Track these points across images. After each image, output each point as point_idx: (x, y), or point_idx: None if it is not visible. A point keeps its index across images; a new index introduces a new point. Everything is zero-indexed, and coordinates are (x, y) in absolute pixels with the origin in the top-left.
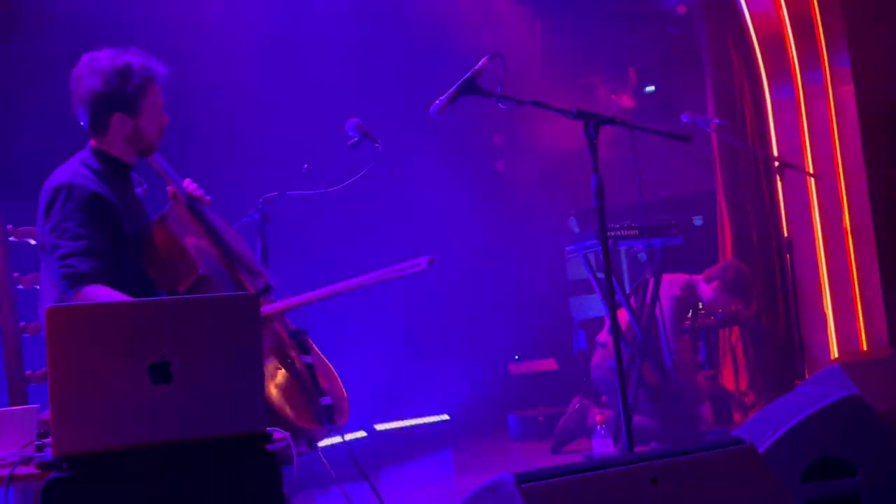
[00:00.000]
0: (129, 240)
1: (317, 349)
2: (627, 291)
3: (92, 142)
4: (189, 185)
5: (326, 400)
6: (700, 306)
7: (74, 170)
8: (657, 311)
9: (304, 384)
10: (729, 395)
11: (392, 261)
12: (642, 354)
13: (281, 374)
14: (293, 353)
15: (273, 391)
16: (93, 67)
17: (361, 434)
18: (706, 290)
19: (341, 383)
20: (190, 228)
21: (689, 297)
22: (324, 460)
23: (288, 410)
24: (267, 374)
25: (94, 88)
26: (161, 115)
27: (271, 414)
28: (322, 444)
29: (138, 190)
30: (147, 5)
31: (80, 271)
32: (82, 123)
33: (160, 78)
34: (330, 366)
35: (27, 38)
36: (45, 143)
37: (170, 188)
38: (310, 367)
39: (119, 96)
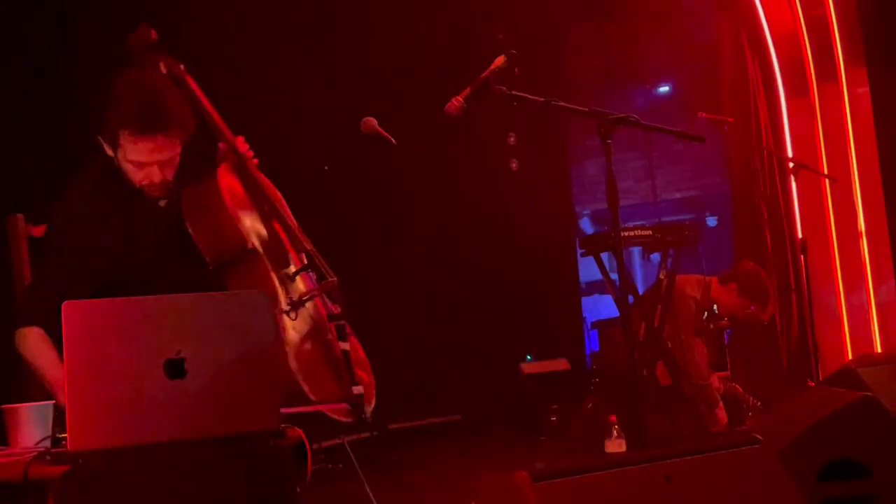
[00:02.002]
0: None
1: (355, 340)
2: (640, 292)
3: None
4: (242, 143)
5: (358, 389)
6: (715, 308)
7: None
8: (671, 312)
9: (338, 370)
10: (743, 396)
11: (404, 257)
12: (656, 355)
13: (317, 357)
14: (330, 337)
15: (307, 372)
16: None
17: (374, 432)
18: (722, 292)
19: (370, 369)
20: (240, 193)
21: (704, 299)
22: (349, 450)
23: (319, 394)
24: (303, 354)
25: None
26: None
27: (302, 395)
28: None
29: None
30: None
31: None
32: None
33: (136, 128)
34: (363, 357)
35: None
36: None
37: (222, 145)
38: (345, 353)
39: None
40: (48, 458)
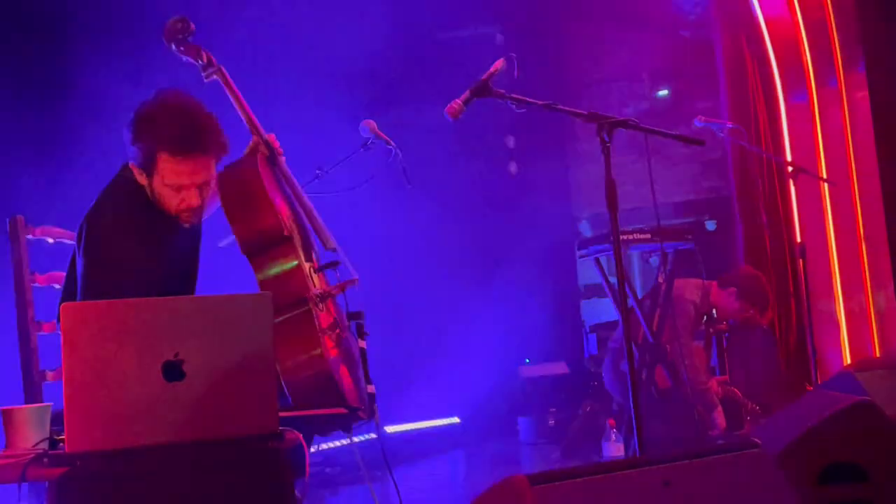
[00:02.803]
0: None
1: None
2: (639, 295)
3: None
4: (274, 140)
5: (372, 388)
6: (714, 312)
7: None
8: (670, 316)
9: (355, 367)
10: (741, 400)
11: (402, 263)
12: (654, 359)
13: (337, 352)
14: (347, 334)
15: (332, 364)
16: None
17: (372, 436)
18: (721, 296)
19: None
20: (274, 183)
21: (704, 303)
22: (356, 453)
23: (342, 385)
24: (326, 347)
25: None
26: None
27: (330, 383)
28: (328, 445)
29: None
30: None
31: None
32: None
33: (177, 149)
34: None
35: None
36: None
37: (254, 138)
38: (363, 352)
39: (133, 148)
40: (46, 459)
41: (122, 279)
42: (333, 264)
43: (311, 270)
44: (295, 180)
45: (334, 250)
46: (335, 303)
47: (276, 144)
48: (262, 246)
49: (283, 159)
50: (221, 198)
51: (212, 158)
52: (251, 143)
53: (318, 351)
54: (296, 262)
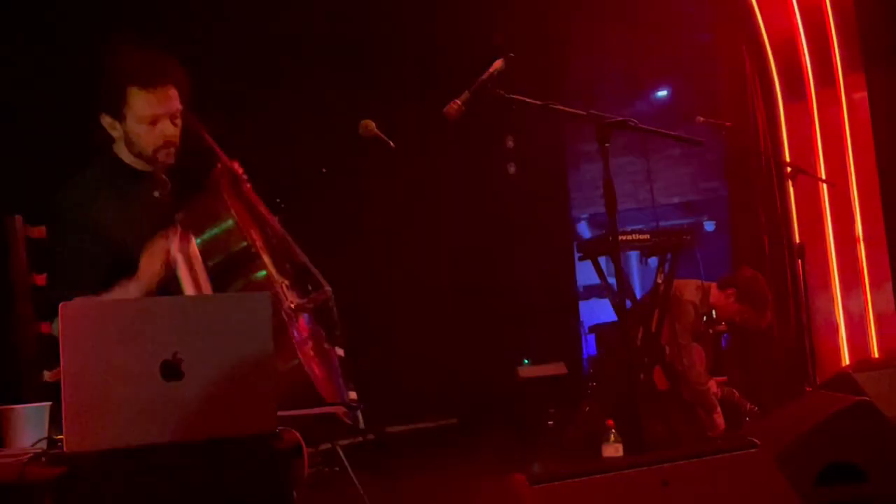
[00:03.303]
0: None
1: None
2: (638, 296)
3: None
4: (238, 167)
5: (353, 394)
6: (713, 313)
7: None
8: (668, 317)
9: (335, 375)
10: (740, 401)
11: (401, 260)
12: (653, 360)
13: (317, 361)
14: (327, 345)
15: (311, 372)
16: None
17: (370, 436)
18: (721, 297)
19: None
20: (241, 206)
21: (703, 304)
22: (341, 455)
23: (322, 394)
24: (306, 357)
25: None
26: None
27: (310, 390)
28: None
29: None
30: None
31: None
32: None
33: (145, 79)
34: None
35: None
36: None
37: (219, 165)
38: (342, 360)
39: (100, 95)
40: (44, 459)
41: (87, 250)
42: (301, 280)
43: (285, 287)
44: (261, 204)
45: (304, 265)
46: (313, 315)
47: (241, 171)
48: (234, 263)
49: (248, 186)
50: (189, 229)
51: (176, 91)
52: (214, 170)
53: (297, 361)
54: (264, 272)
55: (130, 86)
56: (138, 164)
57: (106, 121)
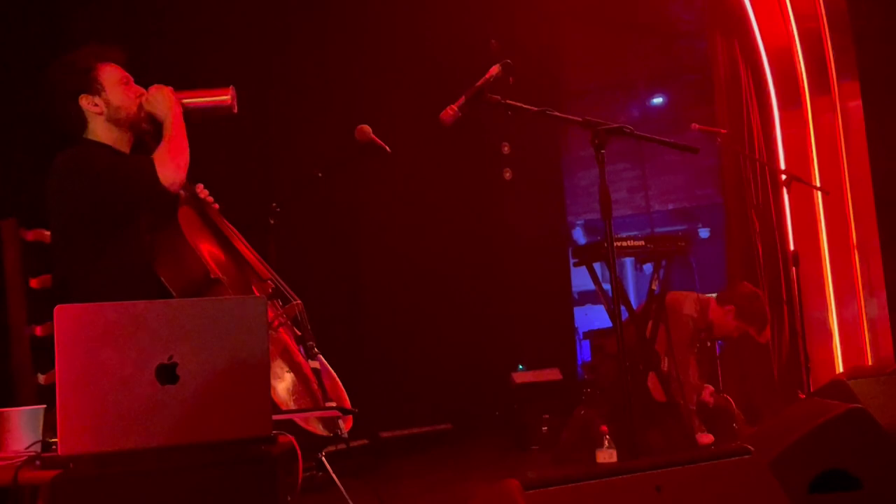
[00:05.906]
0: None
1: (323, 359)
2: (633, 302)
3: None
4: (202, 190)
5: (331, 404)
6: (711, 329)
7: None
8: (663, 324)
9: (310, 389)
10: (734, 409)
11: (396, 268)
12: (648, 368)
13: (288, 377)
14: (299, 359)
15: (281, 393)
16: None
17: (364, 441)
18: (719, 313)
19: (345, 393)
20: (201, 232)
21: (702, 319)
22: (327, 466)
23: (299, 406)
24: (274, 376)
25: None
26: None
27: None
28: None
29: None
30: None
31: None
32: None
33: (117, 53)
34: (335, 376)
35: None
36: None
37: (182, 192)
38: (316, 372)
39: (75, 80)
40: (39, 462)
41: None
42: (274, 296)
43: None
44: (228, 224)
45: (270, 281)
46: (289, 329)
47: (205, 194)
48: (194, 292)
49: (215, 208)
50: (155, 266)
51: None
52: (180, 197)
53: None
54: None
55: (105, 63)
56: (118, 143)
57: (86, 101)
